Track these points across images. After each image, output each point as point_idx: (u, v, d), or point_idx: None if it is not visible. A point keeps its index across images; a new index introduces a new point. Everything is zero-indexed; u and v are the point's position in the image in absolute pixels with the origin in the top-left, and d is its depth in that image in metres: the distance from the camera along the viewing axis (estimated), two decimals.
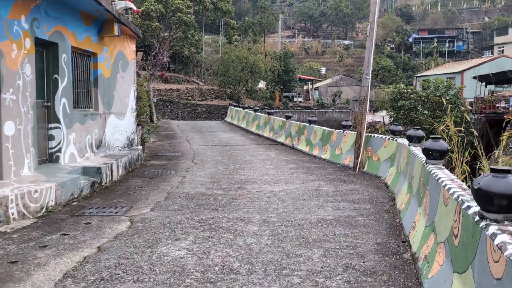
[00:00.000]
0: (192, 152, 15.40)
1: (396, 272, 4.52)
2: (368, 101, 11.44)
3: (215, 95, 47.49)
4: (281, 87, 49.13)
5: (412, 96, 36.55)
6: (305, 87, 63.83)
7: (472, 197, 3.56)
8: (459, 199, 3.61)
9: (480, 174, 18.73)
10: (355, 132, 11.86)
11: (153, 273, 4.59)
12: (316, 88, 64.56)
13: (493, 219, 2.82)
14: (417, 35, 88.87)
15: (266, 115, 20.92)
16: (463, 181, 8.43)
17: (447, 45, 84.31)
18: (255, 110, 23.54)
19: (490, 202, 2.84)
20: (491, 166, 2.90)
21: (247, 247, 5.37)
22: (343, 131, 13.16)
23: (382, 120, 41.96)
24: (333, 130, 13.97)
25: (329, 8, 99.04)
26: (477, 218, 2.99)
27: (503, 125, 26.23)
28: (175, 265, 4.81)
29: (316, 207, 7.50)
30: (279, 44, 58.96)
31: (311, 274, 4.50)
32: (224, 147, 16.96)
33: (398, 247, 5.37)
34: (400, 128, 10.71)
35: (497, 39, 74.42)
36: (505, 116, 29.28)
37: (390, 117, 38.26)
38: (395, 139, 10.29)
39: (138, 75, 26.55)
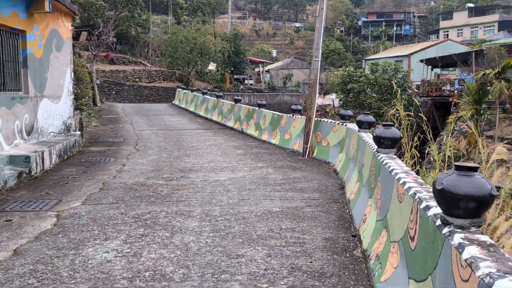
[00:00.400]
0: (135, 138, 14.63)
1: (346, 273, 4.13)
2: (318, 84, 11.07)
3: (163, 77, 46.19)
4: (232, 69, 48.40)
5: (361, 79, 36.80)
6: (256, 70, 63.33)
7: (430, 194, 3.17)
8: (416, 197, 3.22)
9: (429, 159, 18.70)
10: (305, 117, 11.49)
11: (72, 281, 4.00)
12: (267, 71, 64.17)
13: (458, 225, 2.41)
14: (366, 19, 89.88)
15: (215, 98, 20.29)
16: (412, 167, 8.22)
17: (394, 28, 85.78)
18: (204, 93, 22.82)
19: (455, 205, 2.43)
20: (456, 163, 2.46)
21: (184, 247, 4.85)
22: (293, 115, 12.77)
23: (332, 103, 42.12)
24: (283, 114, 13.56)
25: None
26: (438, 222, 2.58)
27: (450, 108, 26.79)
28: (100, 271, 4.23)
29: (263, 197, 7.06)
30: (229, 25, 57.92)
31: (253, 278, 4.04)
32: (170, 132, 16.26)
33: (348, 242, 4.99)
34: (349, 112, 10.40)
35: (443, 23, 76.37)
36: (450, 99, 30.00)
37: (340, 100, 38.43)
38: (344, 124, 9.97)
39: (80, 55, 25.22)
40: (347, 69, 38.15)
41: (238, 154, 11.53)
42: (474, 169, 2.41)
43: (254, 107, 15.68)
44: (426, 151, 18.40)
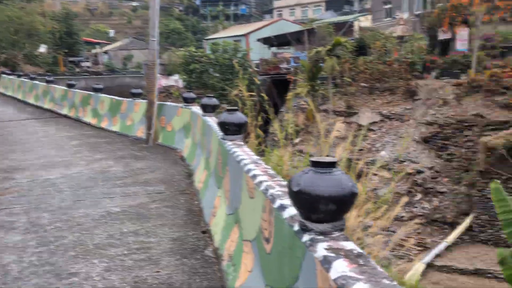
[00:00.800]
0: None
1: (197, 280, 3.71)
2: (158, 66, 10.41)
3: None
4: (66, 51, 44.71)
5: (202, 59, 36.68)
6: (93, 51, 59.62)
7: (284, 189, 2.86)
8: (268, 194, 2.89)
9: (273, 138, 19.11)
10: (146, 100, 10.77)
11: None
12: (106, 52, 60.83)
13: (320, 231, 2.11)
14: None
15: (45, 84, 18.29)
16: (258, 146, 8.11)
17: (232, 8, 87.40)
18: (32, 78, 20.42)
19: (314, 208, 2.12)
20: (312, 159, 2.15)
21: (1, 270, 3.98)
22: (134, 99, 11.93)
23: (176, 84, 41.44)
24: (122, 99, 12.61)
25: None
26: (297, 227, 2.26)
27: (288, 86, 27.98)
28: None
29: (102, 195, 6.31)
30: (58, 3, 53.33)
31: None
32: None
33: (198, 240, 4.58)
34: (192, 95, 9.94)
35: (276, 3, 79.62)
36: (287, 77, 31.39)
37: (184, 81, 37.95)
38: (188, 107, 9.52)
39: None
40: (189, 49, 37.72)
41: (74, 145, 10.41)
42: (333, 165, 2.10)
43: (90, 92, 14.40)
44: (269, 130, 19.04)
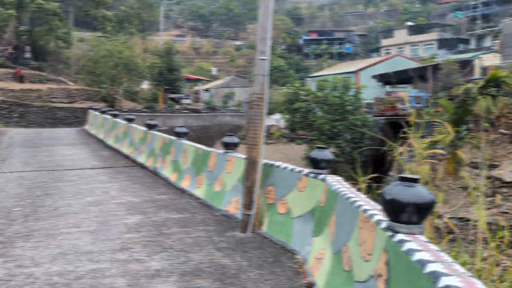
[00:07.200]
0: None
1: None
2: (267, 101, 6.19)
3: (87, 96, 40.01)
4: (166, 87, 42.99)
5: (308, 97, 32.62)
6: (195, 88, 58.35)
7: None
8: None
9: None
10: (245, 157, 6.59)
11: None
12: (207, 90, 59.34)
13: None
14: (307, 37, 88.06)
15: (126, 123, 14.99)
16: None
17: (336, 46, 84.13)
18: (114, 115, 17.37)
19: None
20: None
21: None
22: (225, 152, 7.81)
23: (276, 124, 37.73)
24: (210, 150, 8.54)
25: (219, 7, 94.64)
26: None
27: (405, 128, 23.03)
28: None
29: None
30: (161, 40, 52.66)
31: None
32: (47, 175, 10.87)
33: None
34: (328, 155, 5.45)
35: (384, 41, 75.10)
36: (408, 118, 26.35)
37: (286, 121, 34.03)
38: (320, 177, 5.16)
39: None
40: (294, 86, 33.90)
41: (129, 228, 6.40)
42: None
43: (172, 138, 10.60)
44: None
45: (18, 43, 41.69)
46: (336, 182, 4.77)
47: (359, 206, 3.63)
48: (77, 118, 33.53)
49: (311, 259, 4.76)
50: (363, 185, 5.90)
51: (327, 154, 5.19)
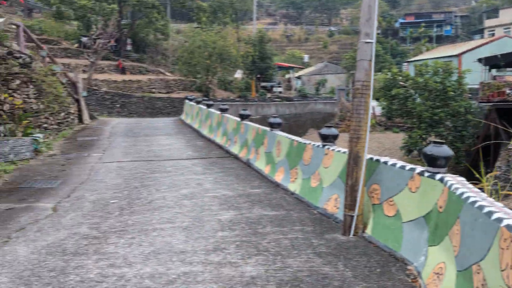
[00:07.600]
0: (82, 180, 9.41)
1: None
2: (372, 89, 5.52)
3: (183, 86, 41.22)
4: (258, 76, 43.00)
5: (407, 83, 30.88)
6: (287, 76, 57.92)
7: None
8: None
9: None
10: (346, 151, 6.01)
11: None
12: (299, 77, 58.68)
13: None
14: (404, 20, 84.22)
15: (219, 113, 14.91)
16: None
17: (434, 29, 79.41)
18: (209, 106, 17.39)
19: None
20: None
21: None
22: (323, 145, 7.26)
23: (372, 112, 36.22)
24: (306, 142, 8.03)
25: None
26: None
27: None
28: None
29: None
30: (254, 26, 52.66)
31: None
32: (146, 165, 11.01)
33: None
34: (446, 151, 4.66)
35: (488, 22, 69.56)
36: None
37: (383, 108, 32.55)
38: (437, 177, 4.44)
39: (53, 61, 20.37)
40: (391, 71, 32.28)
41: (222, 225, 6.10)
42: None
43: (265, 128, 10.22)
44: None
45: (120, 36, 43.70)
46: (459, 183, 4.05)
47: (499, 219, 2.94)
48: (174, 108, 34.56)
49: (427, 272, 4.10)
50: (487, 185, 5.09)
51: (446, 150, 4.46)
